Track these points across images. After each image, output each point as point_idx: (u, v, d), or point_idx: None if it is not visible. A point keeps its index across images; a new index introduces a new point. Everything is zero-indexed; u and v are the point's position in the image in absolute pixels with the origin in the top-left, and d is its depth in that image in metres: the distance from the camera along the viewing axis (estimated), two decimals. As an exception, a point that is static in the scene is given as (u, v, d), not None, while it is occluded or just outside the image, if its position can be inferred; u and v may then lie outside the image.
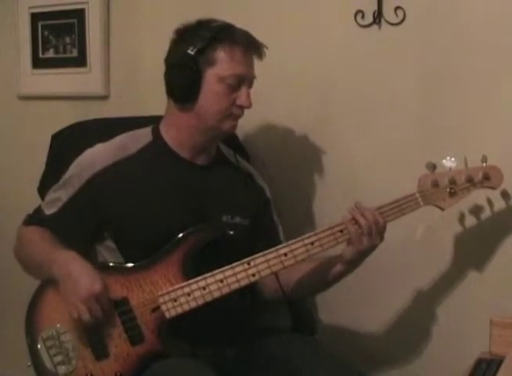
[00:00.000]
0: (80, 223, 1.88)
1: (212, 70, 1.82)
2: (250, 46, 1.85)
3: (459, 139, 2.02)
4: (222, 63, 1.82)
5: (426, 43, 2.06)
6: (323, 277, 1.89)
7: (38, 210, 1.93)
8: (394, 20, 2.08)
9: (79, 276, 1.73)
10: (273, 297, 1.97)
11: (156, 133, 1.93)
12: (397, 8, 2.07)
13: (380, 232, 1.79)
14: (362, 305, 2.20)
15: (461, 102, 2.02)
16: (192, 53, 1.81)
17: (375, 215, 1.78)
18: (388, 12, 2.08)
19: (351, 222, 1.78)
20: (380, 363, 2.19)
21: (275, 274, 1.84)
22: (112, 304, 1.75)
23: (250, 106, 1.86)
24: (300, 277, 1.92)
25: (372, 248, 1.79)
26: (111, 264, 1.85)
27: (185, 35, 1.86)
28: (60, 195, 1.89)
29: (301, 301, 2.08)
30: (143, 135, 1.93)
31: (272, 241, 1.94)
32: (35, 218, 1.93)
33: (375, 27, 2.11)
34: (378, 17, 2.10)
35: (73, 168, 1.91)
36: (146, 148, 1.91)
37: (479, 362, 1.67)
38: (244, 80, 1.85)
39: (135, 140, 1.92)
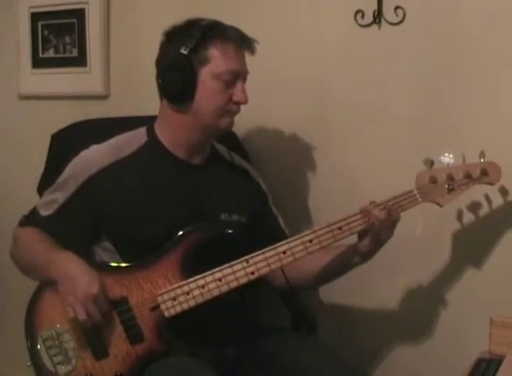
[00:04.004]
0: (76, 225, 1.87)
1: (206, 68, 1.82)
2: (242, 42, 1.85)
3: (457, 135, 2.02)
4: (216, 61, 1.82)
5: (426, 43, 2.06)
6: (333, 268, 1.90)
7: (34, 211, 1.92)
8: (394, 20, 2.08)
9: (77, 276, 1.73)
10: (282, 286, 1.96)
11: (151, 134, 1.92)
12: (397, 8, 2.07)
13: (395, 225, 1.79)
14: (361, 304, 2.20)
15: (459, 100, 2.02)
16: (185, 53, 1.81)
17: (391, 209, 1.77)
18: (388, 12, 2.08)
19: (372, 214, 1.76)
20: (380, 362, 2.19)
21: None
22: (111, 304, 1.75)
23: (246, 101, 1.86)
24: (309, 267, 1.91)
25: (387, 241, 1.79)
26: (110, 264, 1.85)
27: (175, 36, 1.86)
28: (56, 197, 1.89)
29: (306, 290, 2.09)
30: (138, 136, 1.93)
31: (273, 233, 1.96)
32: (31, 220, 1.92)
33: (375, 26, 2.11)
34: (378, 17, 2.10)
35: (68, 170, 1.90)
36: (141, 149, 1.90)
37: (479, 361, 1.67)
38: (239, 75, 1.85)
39: (131, 141, 1.92)
